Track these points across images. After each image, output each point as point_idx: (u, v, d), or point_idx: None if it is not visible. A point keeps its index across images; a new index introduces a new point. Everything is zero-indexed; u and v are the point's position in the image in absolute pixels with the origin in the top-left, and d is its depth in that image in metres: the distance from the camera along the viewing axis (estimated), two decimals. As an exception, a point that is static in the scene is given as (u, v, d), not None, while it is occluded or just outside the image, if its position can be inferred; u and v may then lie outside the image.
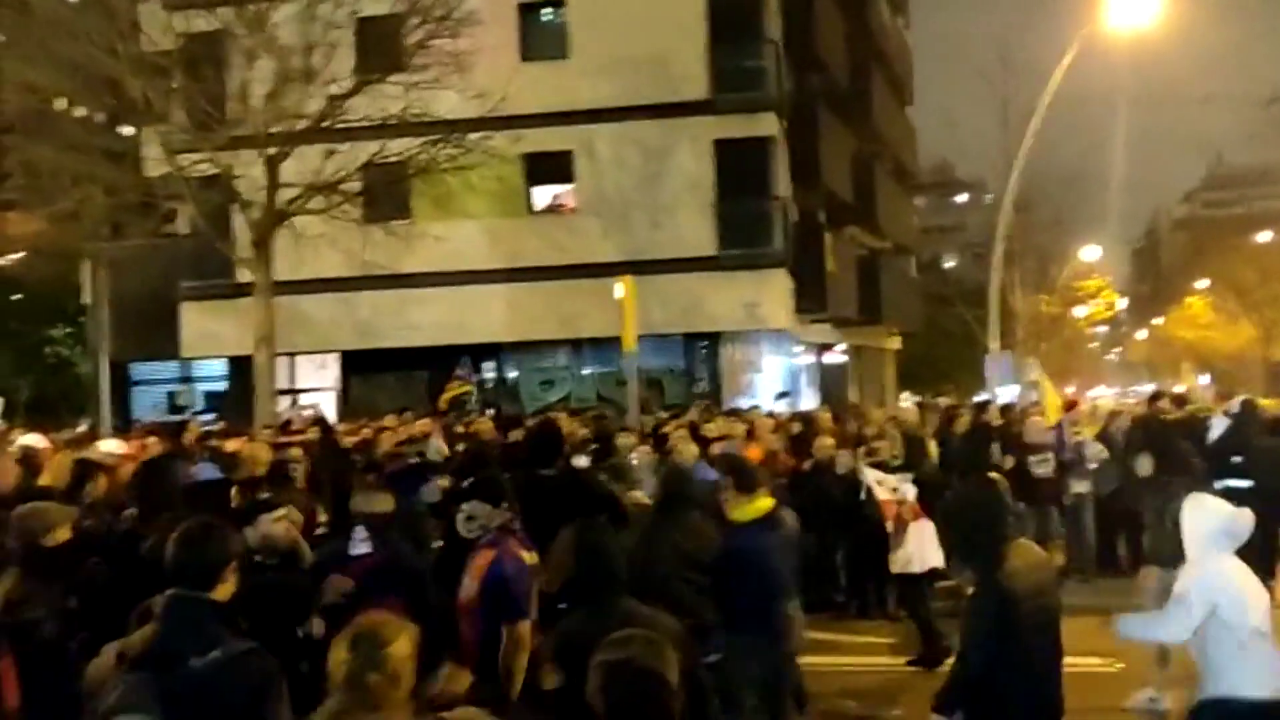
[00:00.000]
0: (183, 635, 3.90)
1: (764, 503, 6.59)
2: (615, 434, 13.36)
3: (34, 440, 13.51)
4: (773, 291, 26.02)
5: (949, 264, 59.36)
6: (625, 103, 25.38)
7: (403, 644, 3.60)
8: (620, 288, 17.79)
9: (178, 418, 23.22)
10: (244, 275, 22.87)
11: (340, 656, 3.55)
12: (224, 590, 4.11)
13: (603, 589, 4.59)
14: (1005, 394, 25.04)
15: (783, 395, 24.53)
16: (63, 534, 5.63)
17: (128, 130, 27.80)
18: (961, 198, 63.87)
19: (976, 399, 24.39)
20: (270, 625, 4.55)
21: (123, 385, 26.81)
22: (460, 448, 13.41)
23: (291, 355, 25.46)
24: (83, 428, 18.74)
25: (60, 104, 28.32)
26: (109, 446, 13.30)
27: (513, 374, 27.55)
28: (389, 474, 9.55)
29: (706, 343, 27.02)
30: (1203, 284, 60.80)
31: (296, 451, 10.55)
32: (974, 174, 48.46)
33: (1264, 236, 58.07)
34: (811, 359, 32.44)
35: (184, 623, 3.96)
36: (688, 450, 10.60)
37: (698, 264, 25.22)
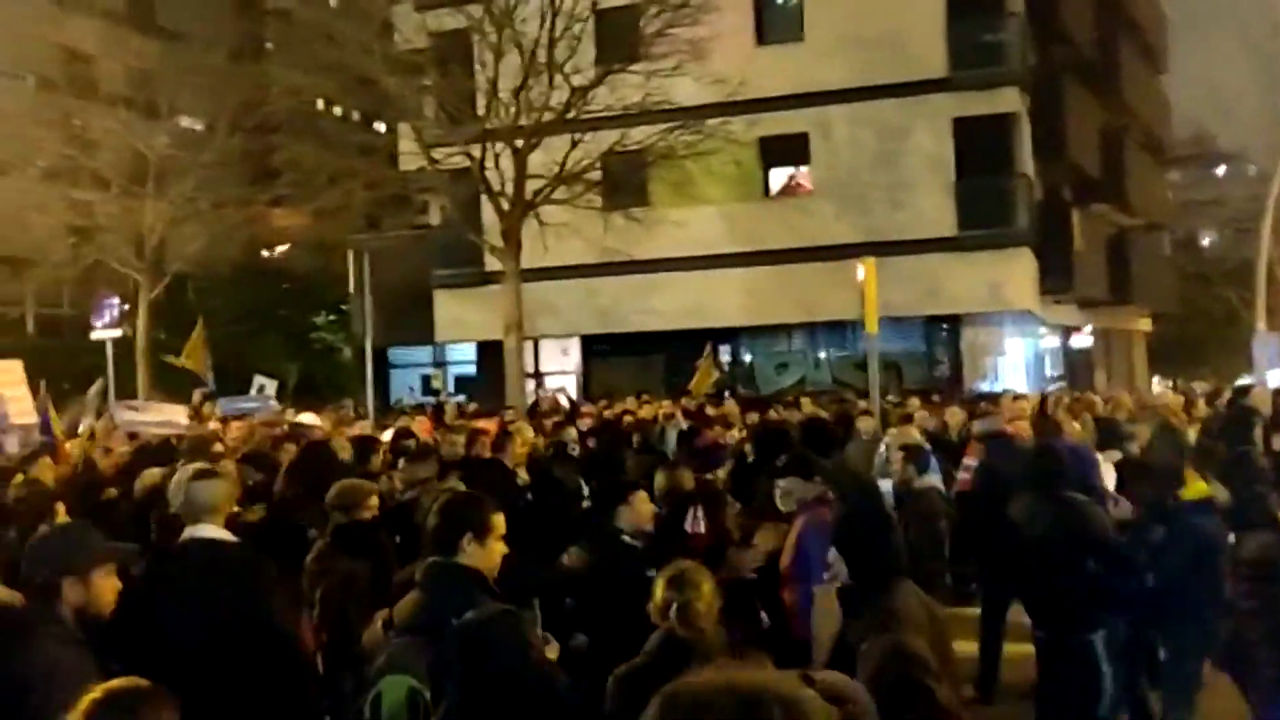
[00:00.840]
0: (441, 600, 4.08)
1: (1202, 485, 6.79)
2: (856, 417, 13.28)
3: (308, 419, 14.55)
4: (1016, 272, 25.20)
5: (1207, 241, 55.92)
6: (861, 83, 25.05)
7: (709, 584, 4.27)
8: (862, 269, 17.61)
9: (431, 400, 24.49)
10: (492, 264, 23.85)
11: (661, 593, 4.23)
12: (477, 556, 4.26)
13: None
14: (1275, 377, 23.50)
15: (1057, 379, 23.66)
16: (370, 510, 6.09)
17: (381, 127, 29.39)
18: (1221, 170, 59.99)
19: (1239, 383, 22.98)
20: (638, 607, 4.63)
21: (381, 369, 28.36)
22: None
23: (535, 340, 26.35)
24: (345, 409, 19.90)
25: (320, 104, 30.24)
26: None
27: (748, 357, 27.70)
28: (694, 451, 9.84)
29: (947, 325, 26.44)
30: None
31: (572, 431, 10.98)
32: (1237, 144, 45.34)
33: None
34: (1056, 342, 31.27)
35: (441, 588, 4.16)
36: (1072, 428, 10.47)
37: (938, 244, 24.68)
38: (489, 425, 14.01)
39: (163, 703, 2.93)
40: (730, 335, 27.02)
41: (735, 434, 12.96)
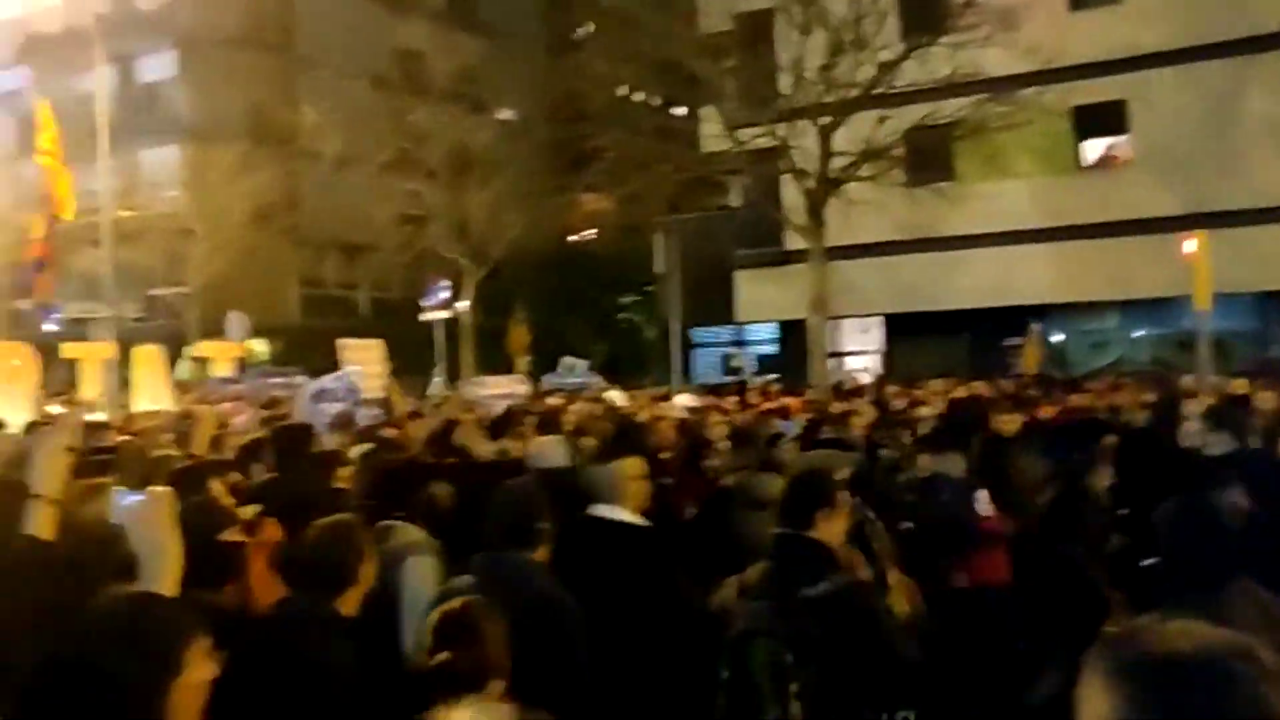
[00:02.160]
0: (790, 569, 4.20)
1: None
2: (1181, 398, 12.55)
3: (617, 396, 15.18)
4: (1367, 242, 23.06)
5: None
6: (1187, 43, 23.52)
7: None
8: (1192, 243, 16.65)
9: (732, 379, 24.91)
10: (793, 243, 23.95)
11: None
12: (825, 530, 4.34)
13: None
14: None
15: None
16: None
17: (681, 111, 30.07)
18: None
19: None
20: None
21: (684, 349, 29.08)
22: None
23: (837, 319, 26.28)
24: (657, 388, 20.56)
25: (624, 92, 31.22)
26: (683, 400, 14.66)
27: (1059, 337, 26.63)
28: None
29: (1283, 301, 24.51)
30: None
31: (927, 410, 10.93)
32: None
33: None
34: None
35: (789, 558, 4.28)
36: None
37: (1274, 215, 22.91)
38: (794, 403, 14.20)
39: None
40: (1039, 313, 25.99)
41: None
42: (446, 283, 23.74)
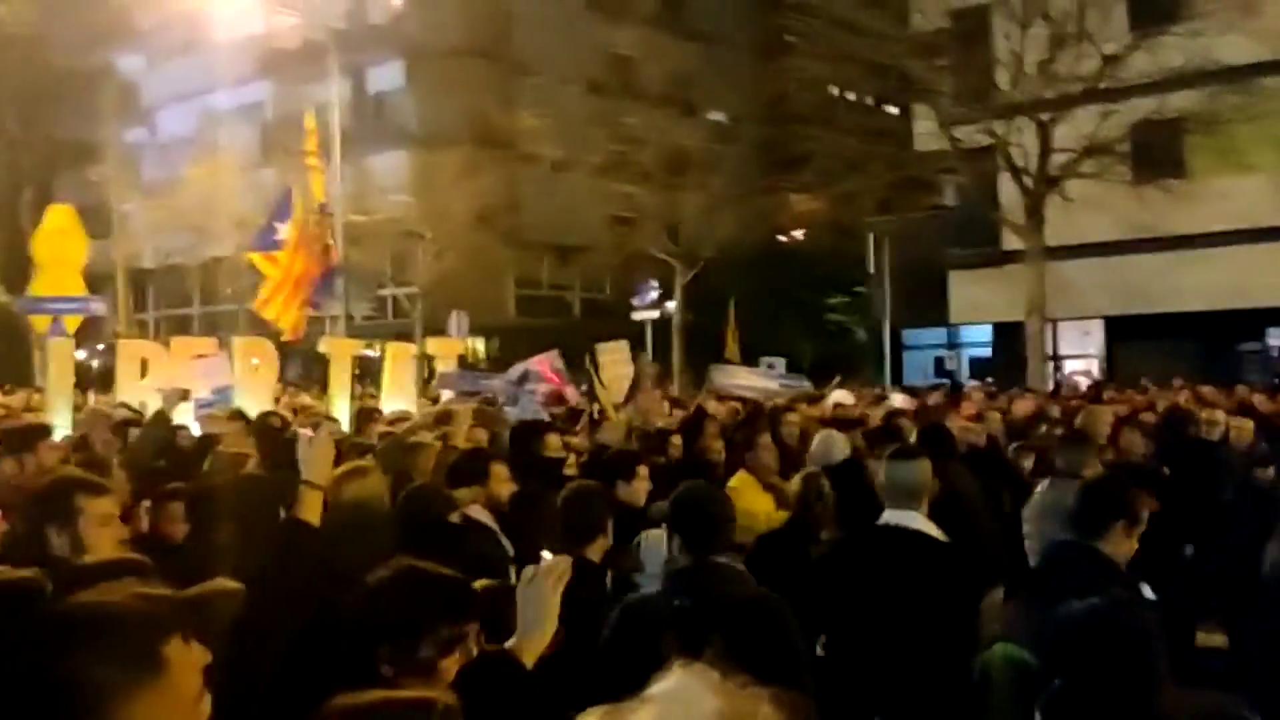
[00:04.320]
0: (1063, 577, 3.99)
1: None
2: None
3: (843, 397, 15.09)
4: None
5: None
6: None
7: None
8: None
9: (943, 381, 24.40)
10: (1009, 243, 23.31)
11: None
12: (1119, 544, 4.17)
13: None
14: None
15: None
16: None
17: (893, 109, 29.65)
18: None
19: None
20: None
21: (895, 350, 28.66)
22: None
23: (1054, 322, 25.42)
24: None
25: (835, 92, 31.00)
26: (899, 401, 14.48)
27: (1299, 342, 25.02)
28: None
29: None
30: None
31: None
32: None
33: None
34: None
35: (1065, 566, 4.13)
36: None
37: None
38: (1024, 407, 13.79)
39: None
40: (1277, 317, 24.55)
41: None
42: (655, 283, 24.12)
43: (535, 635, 3.07)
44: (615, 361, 12.78)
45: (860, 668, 4.63)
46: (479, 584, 3.29)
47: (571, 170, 28.60)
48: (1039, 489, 6.40)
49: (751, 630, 3.60)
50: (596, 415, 10.51)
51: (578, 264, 31.30)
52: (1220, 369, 22.17)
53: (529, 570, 3.17)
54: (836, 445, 7.18)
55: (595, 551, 4.47)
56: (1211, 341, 24.63)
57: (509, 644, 3.05)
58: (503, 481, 5.80)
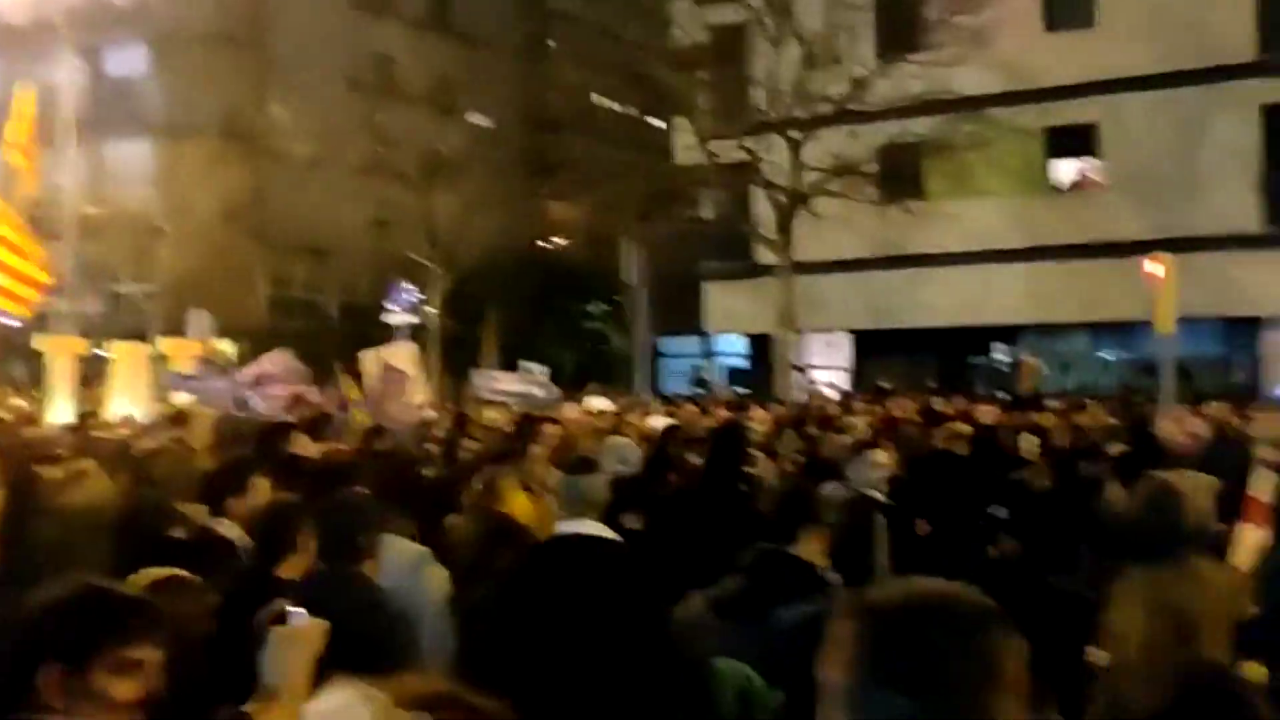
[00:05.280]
0: (770, 588, 3.98)
1: None
2: (1149, 422, 12.55)
3: (604, 404, 15.11)
4: (1329, 272, 23.26)
5: None
6: (1158, 69, 23.66)
7: None
8: (1157, 265, 16.70)
9: (700, 391, 24.85)
10: (763, 256, 23.95)
11: None
12: (811, 548, 4.20)
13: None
14: None
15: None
16: None
17: (657, 122, 30.05)
18: None
19: None
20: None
21: (652, 359, 28.98)
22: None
23: (804, 333, 26.27)
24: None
25: (597, 101, 31.18)
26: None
27: (1026, 357, 26.69)
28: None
29: (1245, 328, 24.67)
30: None
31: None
32: None
33: None
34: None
35: (771, 576, 4.07)
36: None
37: (1239, 241, 23.07)
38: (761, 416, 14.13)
39: None
40: (1008, 334, 26.14)
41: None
42: (412, 287, 23.60)
43: (281, 704, 2.82)
44: (391, 364, 12.51)
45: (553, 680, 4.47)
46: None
47: (327, 169, 27.70)
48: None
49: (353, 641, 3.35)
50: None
51: (334, 266, 30.31)
52: (954, 381, 23.46)
53: (283, 630, 2.93)
54: (628, 451, 7.46)
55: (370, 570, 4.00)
56: (947, 355, 26.01)
57: (249, 707, 2.82)
58: (264, 494, 5.37)
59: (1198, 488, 6.43)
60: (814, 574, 4.08)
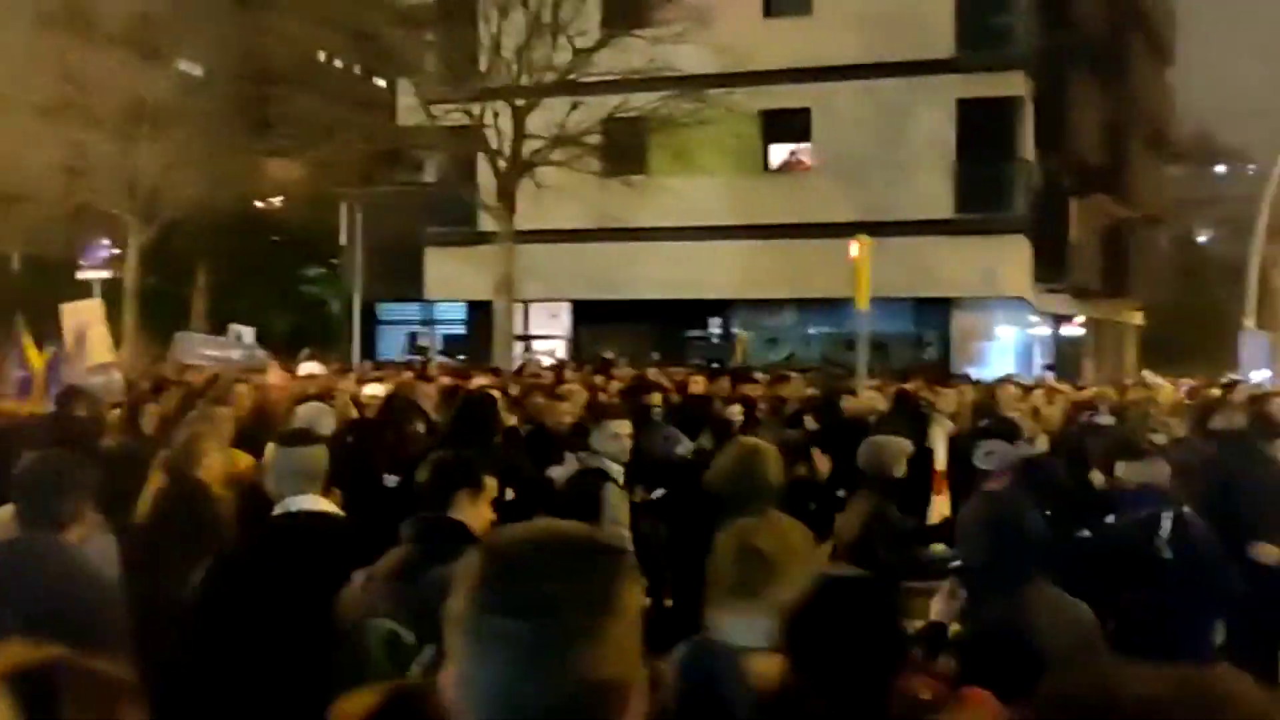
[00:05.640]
0: (430, 550, 3.98)
1: None
2: (844, 395, 13.21)
3: (315, 368, 14.56)
4: (1011, 258, 25.17)
5: (1203, 238, 56.02)
6: (867, 60, 24.89)
7: None
8: (855, 246, 17.55)
9: (418, 358, 24.41)
10: (486, 223, 23.72)
11: None
12: (469, 514, 4.23)
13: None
14: (1260, 376, 23.54)
15: (1049, 368, 23.72)
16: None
17: (381, 82, 29.20)
18: (1221, 168, 60.07)
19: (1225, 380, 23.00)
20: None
21: (370, 325, 28.25)
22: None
23: (526, 303, 26.25)
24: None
25: (321, 56, 29.99)
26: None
27: (738, 331, 27.65)
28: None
29: (938, 308, 26.40)
30: None
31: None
32: (1239, 142, 45.66)
33: None
34: (1047, 331, 31.24)
35: (431, 540, 4.09)
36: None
37: (934, 226, 24.63)
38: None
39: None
40: (721, 307, 26.97)
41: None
42: (106, 241, 22.03)
43: None
44: (86, 323, 11.69)
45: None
46: None
47: (10, 109, 25.40)
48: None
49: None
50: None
51: (18, 216, 27.87)
52: (671, 352, 24.02)
53: None
54: (323, 417, 7.28)
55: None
56: (664, 327, 26.59)
57: None
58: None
59: (898, 448, 6.96)
60: (469, 535, 4.11)
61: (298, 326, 30.44)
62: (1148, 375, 20.92)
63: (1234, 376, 22.70)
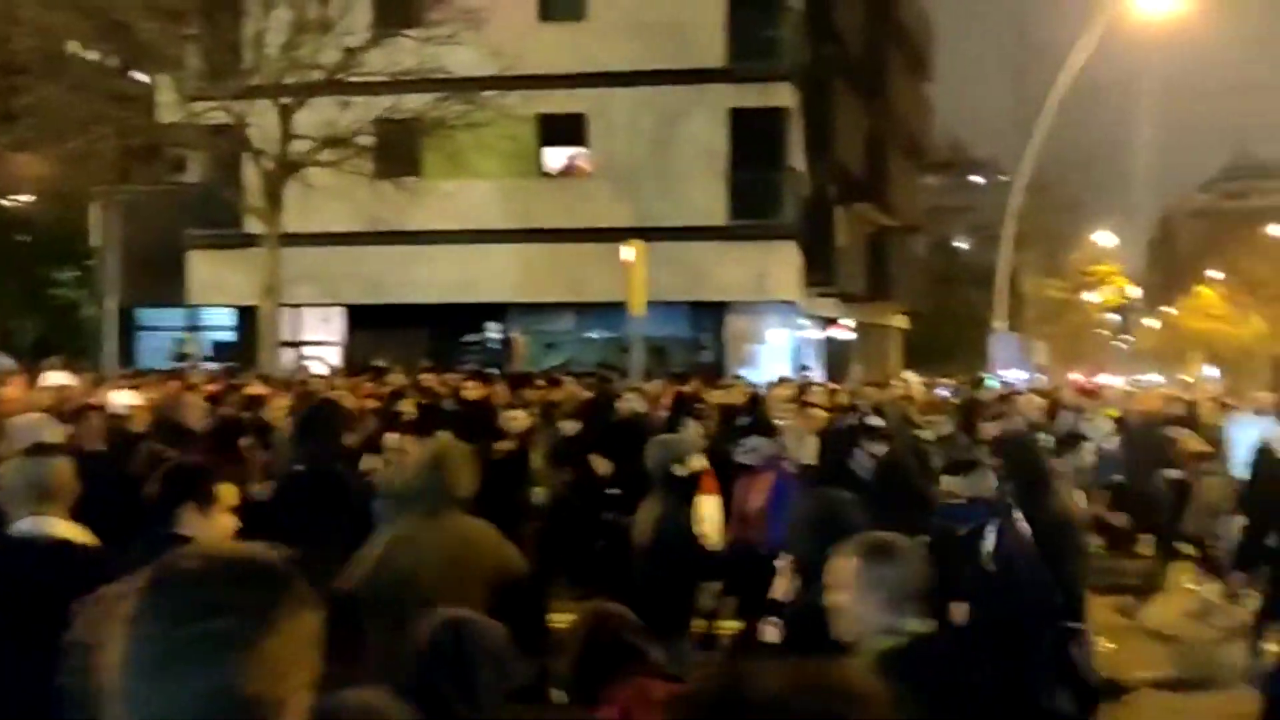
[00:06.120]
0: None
1: None
2: (616, 398, 13.33)
3: (63, 379, 13.61)
4: (781, 263, 25.94)
5: (959, 245, 59.27)
6: (641, 67, 25.22)
7: None
8: (629, 251, 17.77)
9: (182, 365, 23.34)
10: (252, 225, 22.85)
11: None
12: (198, 527, 4.12)
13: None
14: (1010, 375, 25.04)
15: (804, 369, 24.48)
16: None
17: (142, 76, 27.75)
18: (975, 178, 63.70)
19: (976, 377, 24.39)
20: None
21: (128, 331, 26.83)
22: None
23: (297, 307, 25.45)
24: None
25: (74, 47, 28.28)
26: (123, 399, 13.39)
27: (515, 335, 27.56)
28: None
29: (712, 312, 26.98)
30: (1215, 275, 60.39)
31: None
32: (989, 154, 48.56)
33: (1277, 230, 57.69)
34: (818, 333, 32.38)
35: (148, 553, 3.97)
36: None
37: (707, 232, 25.15)
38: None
39: None
40: (499, 312, 26.83)
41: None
42: None
43: None
44: None
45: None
46: None
47: None
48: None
49: None
50: None
51: None
52: (447, 357, 23.71)
53: None
54: (44, 430, 6.82)
55: None
56: (441, 332, 26.27)
57: None
58: None
59: (683, 447, 7.07)
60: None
61: (47, 332, 28.65)
62: (908, 375, 21.94)
63: (985, 375, 24.12)
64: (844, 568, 3.39)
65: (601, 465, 10.32)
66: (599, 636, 3.69)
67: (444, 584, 4.46)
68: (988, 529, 5.72)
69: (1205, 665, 8.08)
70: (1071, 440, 11.73)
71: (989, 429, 11.29)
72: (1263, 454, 11.68)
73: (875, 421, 11.55)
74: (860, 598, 3.32)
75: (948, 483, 6.01)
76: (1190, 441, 9.91)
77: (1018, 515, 6.01)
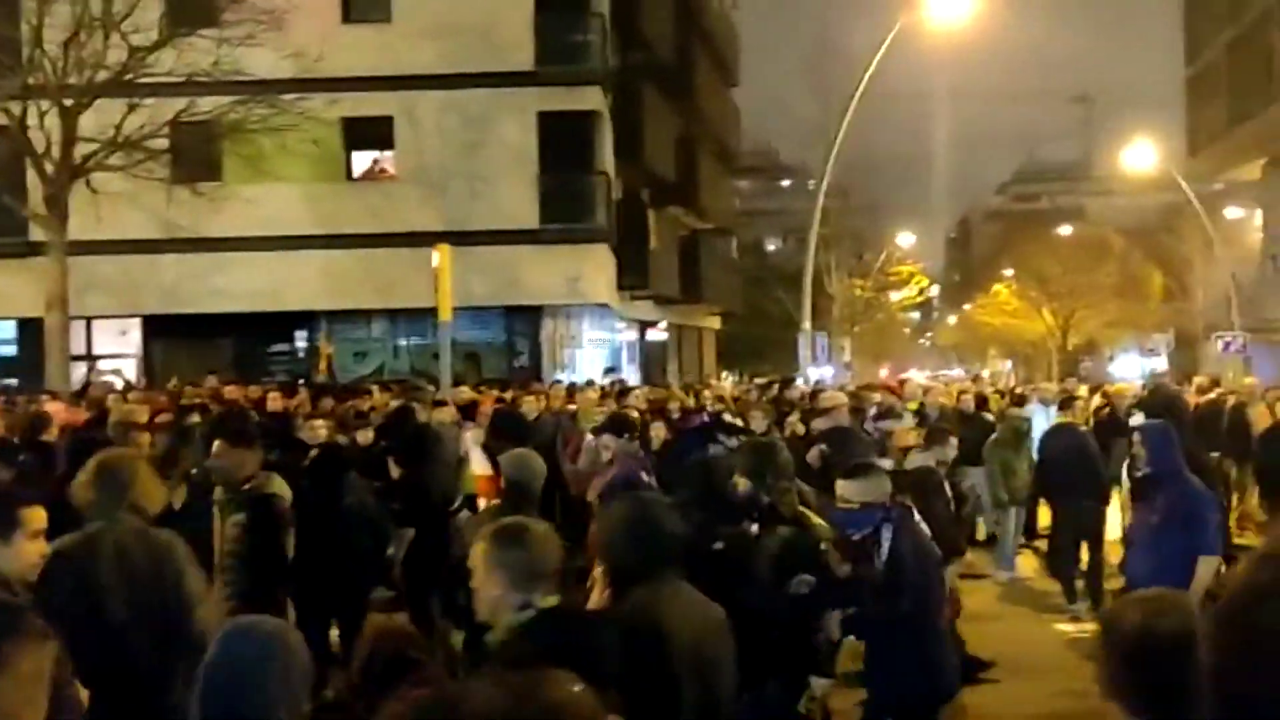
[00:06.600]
0: None
1: None
2: (420, 407, 13.17)
3: None
4: (594, 266, 26.05)
5: (771, 247, 60.75)
6: (449, 69, 24.93)
7: None
8: (437, 256, 17.52)
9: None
10: (37, 233, 21.66)
11: None
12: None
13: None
14: (818, 374, 25.75)
15: (610, 370, 24.61)
16: None
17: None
18: (785, 182, 65.42)
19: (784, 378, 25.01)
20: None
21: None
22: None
23: (89, 319, 24.25)
24: None
25: None
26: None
27: (320, 344, 26.87)
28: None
29: (527, 316, 26.88)
30: (1010, 274, 63.57)
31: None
32: (797, 159, 50.02)
33: (1065, 230, 61.08)
34: (634, 336, 32.67)
35: None
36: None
37: (519, 236, 25.05)
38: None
39: None
40: (307, 320, 26.13)
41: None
42: None
43: None
44: None
45: None
46: None
47: None
48: None
49: None
50: None
51: None
52: (254, 369, 22.98)
53: None
54: None
55: None
56: (246, 342, 25.44)
57: None
58: None
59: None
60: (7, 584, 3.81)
61: None
62: (723, 376, 22.41)
63: (792, 375, 24.75)
64: (474, 553, 3.71)
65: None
66: (383, 650, 3.68)
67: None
68: (883, 533, 5.74)
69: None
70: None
71: (818, 424, 11.65)
72: (1049, 438, 12.58)
73: (731, 420, 11.79)
74: (489, 579, 3.62)
75: (843, 487, 5.89)
76: (905, 434, 10.44)
77: (917, 518, 6.10)
